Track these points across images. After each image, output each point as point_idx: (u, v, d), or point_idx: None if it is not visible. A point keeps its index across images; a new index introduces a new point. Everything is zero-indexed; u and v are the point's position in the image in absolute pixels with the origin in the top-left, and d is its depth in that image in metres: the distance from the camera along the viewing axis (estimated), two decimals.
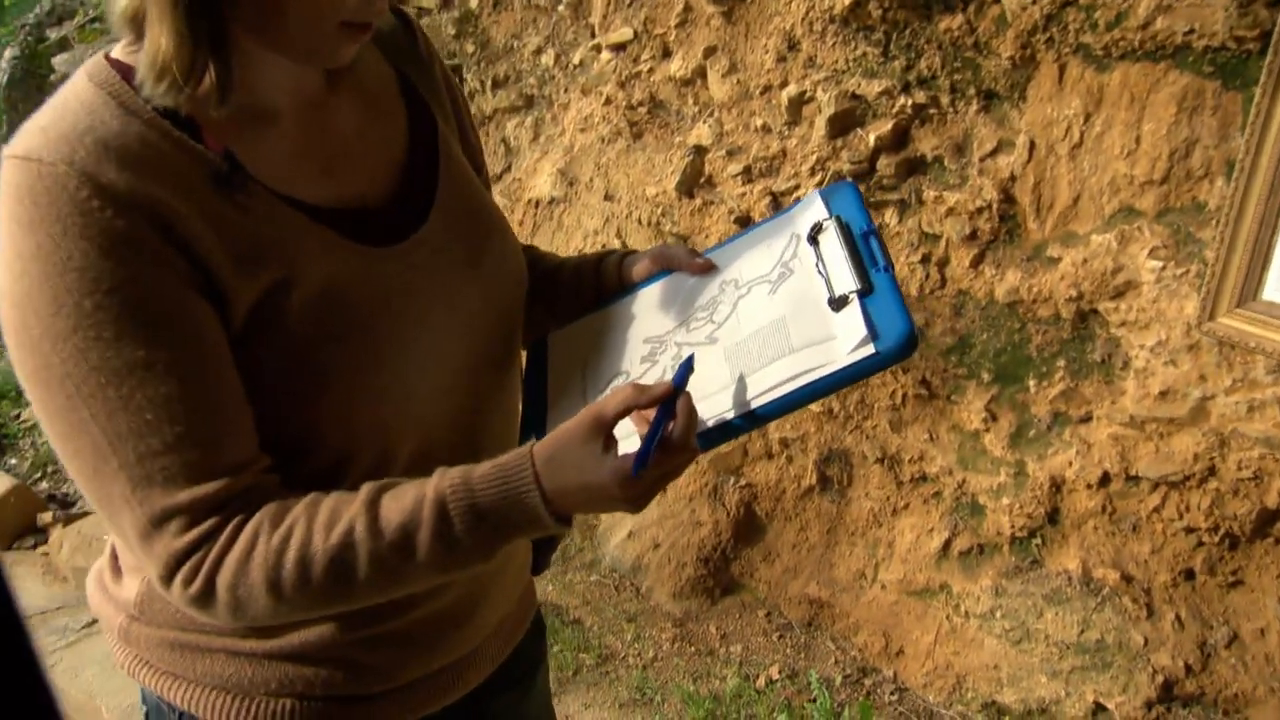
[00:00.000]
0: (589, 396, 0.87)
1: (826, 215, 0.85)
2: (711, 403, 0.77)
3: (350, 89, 0.82)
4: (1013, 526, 2.15)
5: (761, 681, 2.29)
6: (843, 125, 2.29)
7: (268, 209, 0.73)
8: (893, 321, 0.73)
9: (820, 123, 2.31)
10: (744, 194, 2.51)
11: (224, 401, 0.70)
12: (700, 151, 2.62)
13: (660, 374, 0.83)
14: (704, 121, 2.68)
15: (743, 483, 2.56)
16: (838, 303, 0.77)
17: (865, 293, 0.76)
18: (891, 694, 2.27)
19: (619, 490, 0.69)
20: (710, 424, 0.76)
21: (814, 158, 2.32)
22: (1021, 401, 2.12)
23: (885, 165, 2.21)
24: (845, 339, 0.74)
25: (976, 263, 2.11)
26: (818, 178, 2.32)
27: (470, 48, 3.92)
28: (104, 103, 0.67)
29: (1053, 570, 2.12)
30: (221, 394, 0.70)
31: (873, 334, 0.73)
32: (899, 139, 2.20)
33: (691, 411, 0.71)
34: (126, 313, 0.65)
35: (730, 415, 0.75)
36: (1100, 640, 2.03)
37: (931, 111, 2.13)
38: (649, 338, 0.88)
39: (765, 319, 0.80)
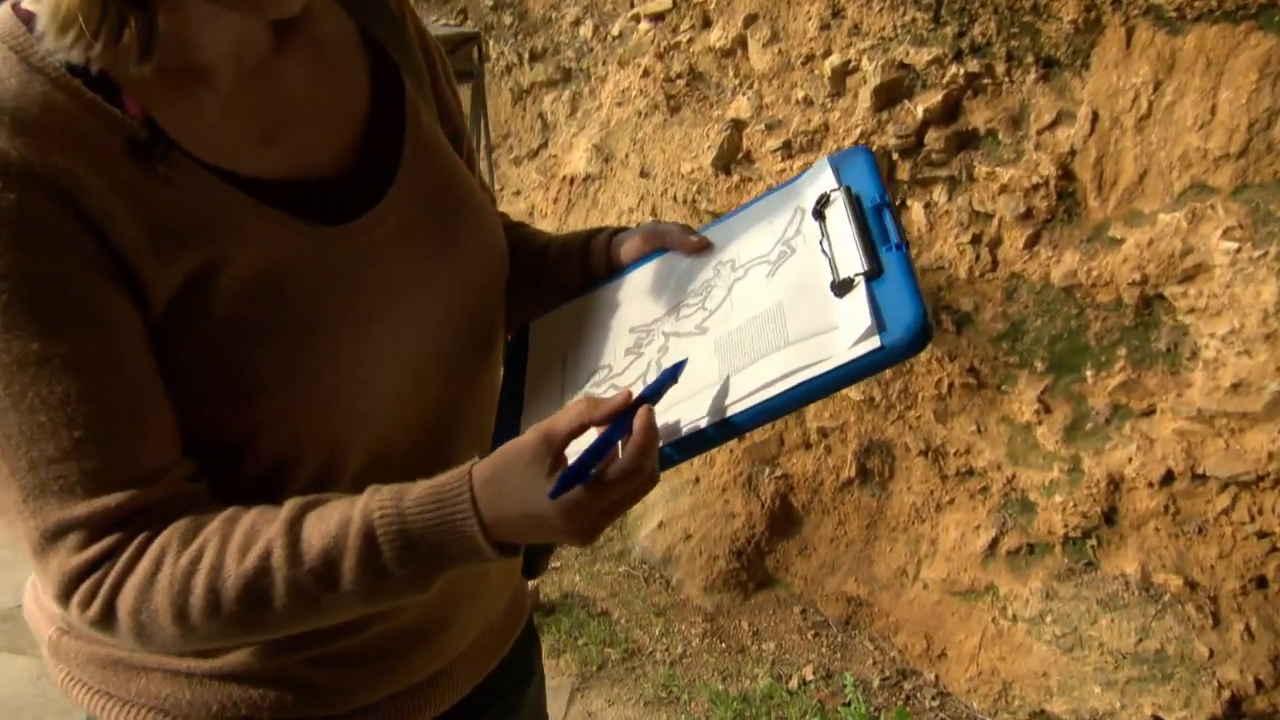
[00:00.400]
0: (567, 393, 0.77)
1: (835, 185, 0.75)
2: (692, 405, 0.67)
3: (302, 45, 0.72)
4: (1066, 526, 2.01)
5: (794, 682, 2.19)
6: (889, 97, 2.15)
7: (194, 182, 0.64)
8: (902, 309, 0.62)
9: (865, 94, 2.18)
10: (783, 170, 2.39)
11: (135, 402, 0.62)
12: (738, 125, 2.50)
13: (645, 369, 0.73)
14: (743, 94, 2.55)
15: (778, 473, 2.45)
16: (841, 287, 0.66)
17: (873, 275, 0.66)
18: (933, 699, 2.16)
19: (562, 521, 0.60)
20: (685, 432, 0.66)
21: (858, 131, 2.19)
22: (1078, 393, 1.98)
23: (934, 139, 2.07)
24: (847, 330, 0.63)
25: (1031, 243, 1.97)
26: None
27: (508, 19, 3.83)
28: (3, 58, 0.59)
29: (1109, 573, 1.99)
30: (132, 394, 0.61)
31: (878, 324, 0.62)
32: (949, 111, 2.06)
33: (649, 430, 0.61)
34: (18, 300, 0.57)
35: (704, 422, 0.65)
36: (1160, 650, 1.89)
37: (985, 81, 1.99)
38: (635, 326, 0.79)
39: (761, 306, 0.70)
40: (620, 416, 0.61)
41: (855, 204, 0.72)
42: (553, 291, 0.89)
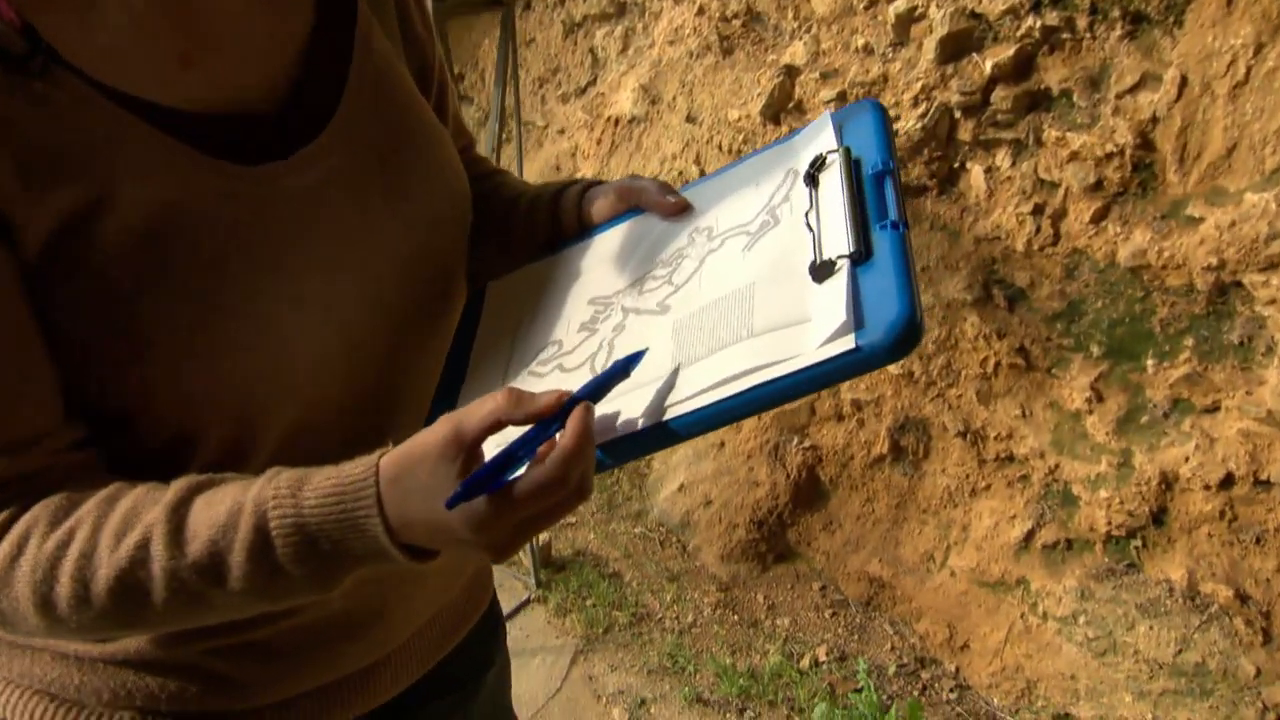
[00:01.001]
0: (511, 370, 0.67)
1: (834, 146, 0.63)
2: (636, 398, 0.56)
3: None
4: (1109, 523, 1.88)
5: (806, 661, 2.10)
6: (956, 48, 1.98)
7: (79, 105, 0.54)
8: (886, 303, 0.50)
9: (930, 45, 2.01)
10: None
11: (4, 359, 0.53)
12: (791, 72, 2.34)
13: (595, 349, 0.63)
14: (800, 38, 2.39)
15: (807, 444, 2.34)
16: (821, 270, 0.55)
17: (859, 258, 0.54)
18: (951, 691, 2.06)
19: (469, 533, 0.50)
20: (619, 432, 0.55)
21: (918, 85, 2.03)
22: (1135, 382, 1.83)
23: (1001, 98, 1.90)
24: (820, 324, 0.52)
25: (1099, 218, 1.80)
26: (920, 109, 2.03)
27: None
28: None
29: (1152, 578, 1.85)
30: (1, 349, 0.53)
31: (856, 320, 0.51)
32: (1021, 67, 1.88)
33: (581, 435, 0.50)
34: None
35: (640, 423, 0.55)
36: (1201, 664, 1.76)
37: (1064, 36, 1.81)
38: (595, 298, 0.69)
39: (729, 286, 0.60)
40: (549, 420, 0.51)
41: (853, 170, 0.60)
42: (520, 250, 0.79)
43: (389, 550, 0.52)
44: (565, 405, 0.52)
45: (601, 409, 0.56)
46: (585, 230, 0.76)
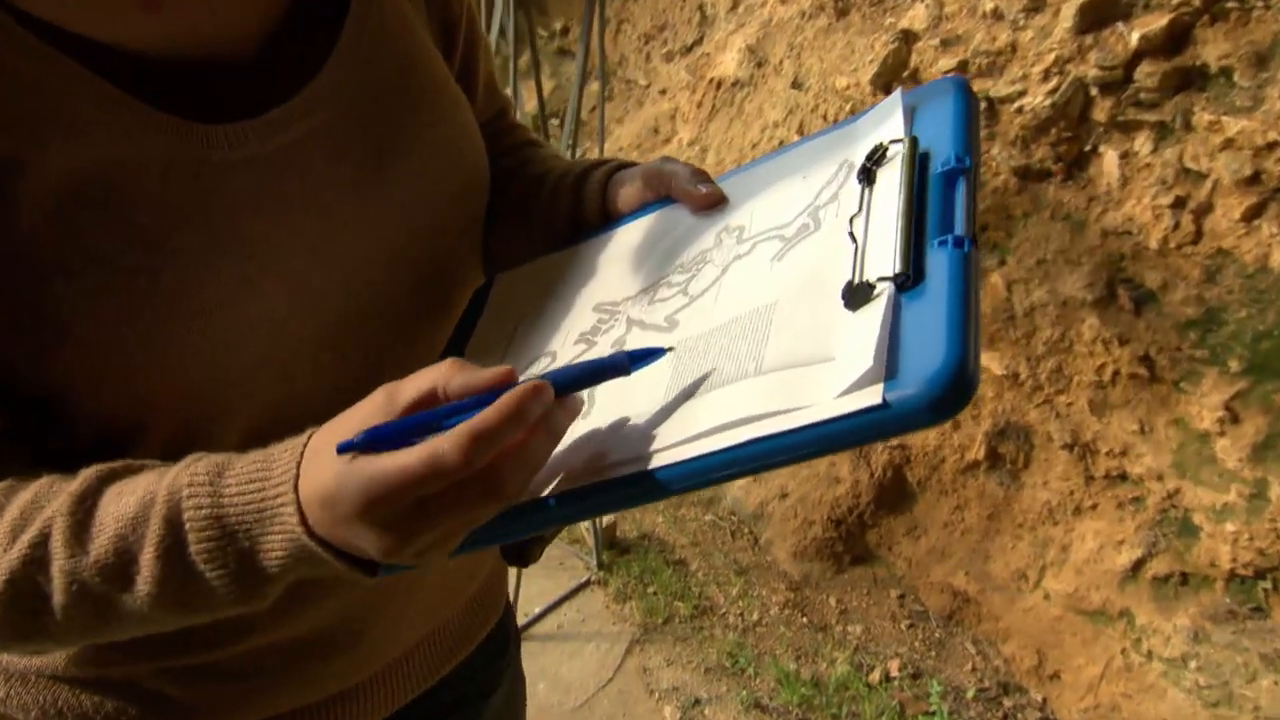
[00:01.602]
0: None
1: (900, 134, 0.50)
2: (608, 435, 0.46)
3: None
4: (1234, 560, 1.67)
5: (876, 675, 1.96)
6: (1098, 16, 1.77)
7: (6, 47, 0.46)
8: (929, 346, 0.37)
9: (1068, 11, 1.79)
10: None
11: None
12: (909, 38, 2.15)
13: None
14: (922, 0, 2.19)
15: (895, 442, 2.17)
16: (857, 293, 0.42)
17: (906, 283, 0.41)
18: None
19: (356, 502, 0.40)
20: (580, 476, 0.44)
21: (1051, 57, 1.82)
22: (1279, 405, 1.61)
23: (1147, 74, 1.68)
24: (843, 366, 0.40)
25: (1251, 215, 1.58)
26: (1051, 84, 1.82)
27: None
28: None
29: None
30: None
31: (887, 367, 0.38)
32: (1174, 40, 1.66)
33: (506, 413, 0.39)
34: None
35: (622, 468, 0.43)
36: None
37: (1229, 5, 1.58)
38: (601, 303, 0.58)
39: (748, 304, 0.48)
40: (489, 398, 0.41)
41: (918, 166, 0.47)
42: (540, 238, 0.68)
43: (305, 543, 0.42)
44: (513, 384, 0.42)
45: (564, 441, 0.46)
46: (608, 220, 0.65)
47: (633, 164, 0.66)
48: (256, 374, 0.52)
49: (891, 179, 0.47)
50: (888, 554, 2.22)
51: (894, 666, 1.98)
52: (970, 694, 1.93)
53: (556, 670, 1.96)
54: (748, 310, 0.47)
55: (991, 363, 1.95)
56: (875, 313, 0.40)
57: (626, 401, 0.47)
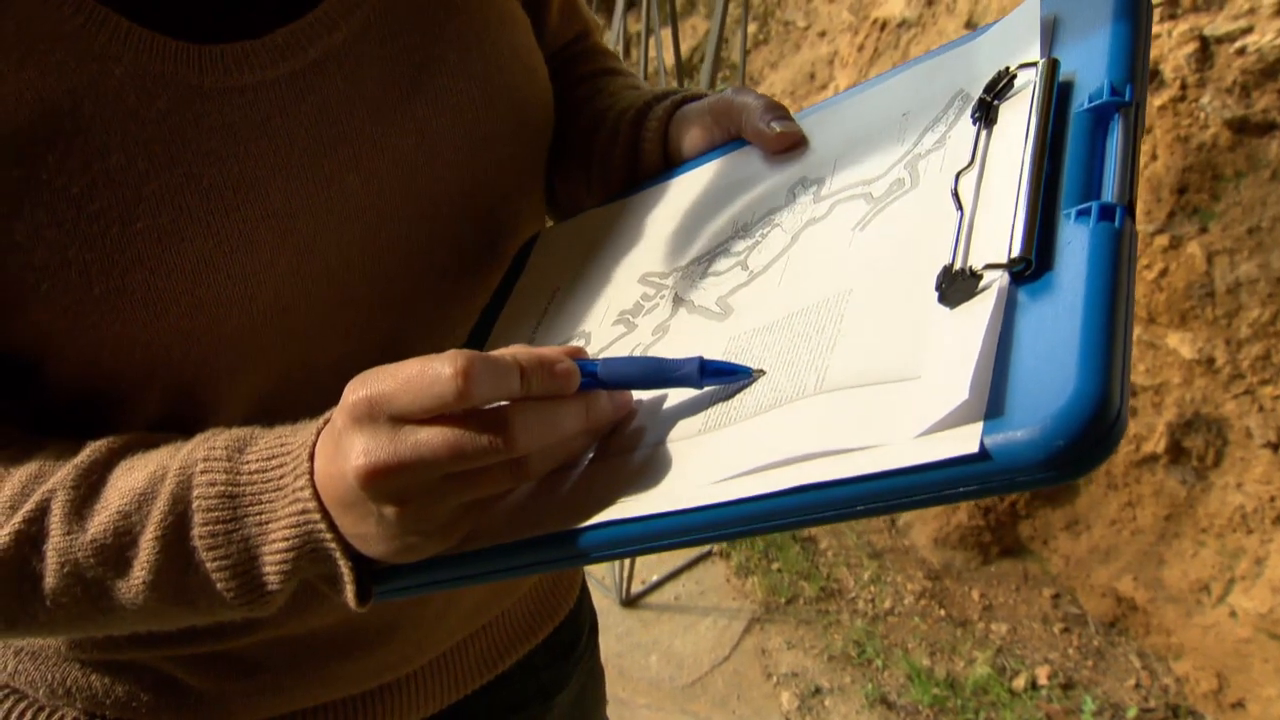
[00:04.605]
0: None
1: (1034, 55, 0.36)
2: (634, 463, 0.36)
3: None
4: None
5: (1021, 681, 1.78)
6: None
7: None
8: (1056, 371, 0.24)
9: None
10: (1156, 35, 1.76)
11: None
12: None
13: (632, 351, 0.44)
14: None
15: None
16: (955, 285, 0.29)
17: (1027, 274, 0.28)
18: None
19: (358, 476, 0.34)
20: (581, 513, 0.35)
21: None
22: None
23: None
24: (928, 392, 0.27)
25: None
26: None
27: None
28: None
29: None
30: None
31: (991, 398, 0.25)
32: None
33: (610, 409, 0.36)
34: None
35: (621, 504, 0.34)
36: None
37: None
38: (648, 274, 0.48)
39: (816, 290, 0.37)
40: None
41: (1055, 99, 0.33)
42: (599, 184, 0.59)
43: (313, 524, 0.37)
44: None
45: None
46: (669, 165, 0.55)
47: (702, 95, 0.55)
48: (256, 336, 0.45)
49: (1019, 118, 0.34)
50: (1042, 549, 2.01)
51: (1043, 674, 1.79)
52: (1131, 713, 1.72)
53: (670, 643, 1.88)
54: (815, 301, 0.36)
55: (1181, 344, 1.70)
56: (979, 316, 0.28)
57: (661, 419, 0.37)
